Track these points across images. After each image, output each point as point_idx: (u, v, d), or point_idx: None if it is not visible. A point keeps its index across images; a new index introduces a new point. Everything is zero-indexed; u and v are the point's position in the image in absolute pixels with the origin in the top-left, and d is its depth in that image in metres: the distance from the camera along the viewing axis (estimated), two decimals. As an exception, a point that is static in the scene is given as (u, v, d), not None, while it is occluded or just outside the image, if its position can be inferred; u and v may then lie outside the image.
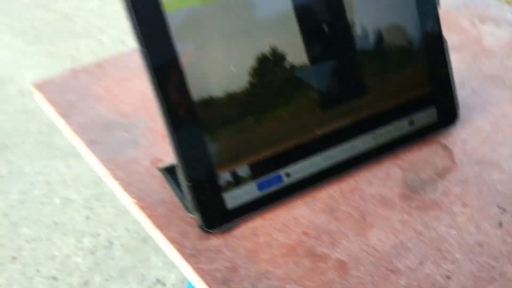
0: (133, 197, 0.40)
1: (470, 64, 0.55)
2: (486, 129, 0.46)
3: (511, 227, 0.37)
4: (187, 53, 0.35)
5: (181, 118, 0.36)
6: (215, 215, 0.38)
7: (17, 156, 1.62)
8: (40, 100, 0.50)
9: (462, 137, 0.46)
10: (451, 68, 0.45)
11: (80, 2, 2.34)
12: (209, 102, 0.36)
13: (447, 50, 0.45)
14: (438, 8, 0.44)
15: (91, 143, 0.44)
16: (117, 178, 0.42)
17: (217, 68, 0.37)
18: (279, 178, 0.39)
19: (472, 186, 0.41)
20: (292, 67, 0.39)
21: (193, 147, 0.36)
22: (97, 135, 0.45)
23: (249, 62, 0.37)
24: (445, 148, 0.45)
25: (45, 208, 1.47)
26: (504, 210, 0.39)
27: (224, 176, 0.37)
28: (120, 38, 2.11)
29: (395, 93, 0.43)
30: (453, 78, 0.45)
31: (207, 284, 0.34)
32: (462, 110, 0.47)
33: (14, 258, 1.34)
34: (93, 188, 1.51)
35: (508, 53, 0.57)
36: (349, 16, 0.40)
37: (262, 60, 0.37)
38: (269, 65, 0.38)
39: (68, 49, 2.04)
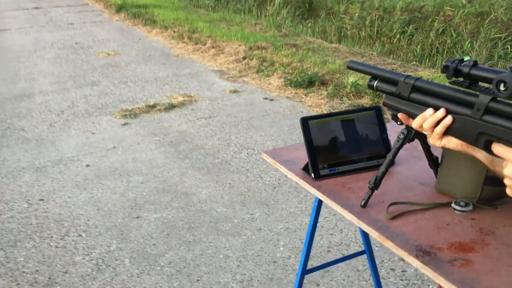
0: (292, 172, 1.43)
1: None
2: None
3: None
4: (313, 133, 1.41)
5: (311, 149, 1.40)
6: (317, 175, 1.39)
7: (201, 233, 2.69)
8: (266, 159, 1.56)
9: (397, 169, 1.44)
10: (391, 148, 1.45)
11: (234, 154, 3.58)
12: (317, 147, 1.40)
13: (391, 143, 1.45)
14: (387, 131, 1.46)
15: (287, 166, 1.49)
16: (288, 169, 1.45)
17: (323, 138, 1.41)
18: (335, 169, 1.40)
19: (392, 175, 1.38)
20: (341, 142, 1.42)
21: (312, 156, 1.39)
22: (289, 165, 1.50)
23: (330, 138, 1.41)
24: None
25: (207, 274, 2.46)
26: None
27: (320, 166, 1.39)
28: (259, 174, 3.26)
29: (372, 152, 1.44)
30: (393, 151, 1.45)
31: (318, 190, 1.34)
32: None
33: None
34: (242, 268, 2.49)
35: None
36: (359, 134, 1.44)
37: (334, 138, 1.42)
38: (335, 140, 1.42)
39: (227, 179, 3.22)
